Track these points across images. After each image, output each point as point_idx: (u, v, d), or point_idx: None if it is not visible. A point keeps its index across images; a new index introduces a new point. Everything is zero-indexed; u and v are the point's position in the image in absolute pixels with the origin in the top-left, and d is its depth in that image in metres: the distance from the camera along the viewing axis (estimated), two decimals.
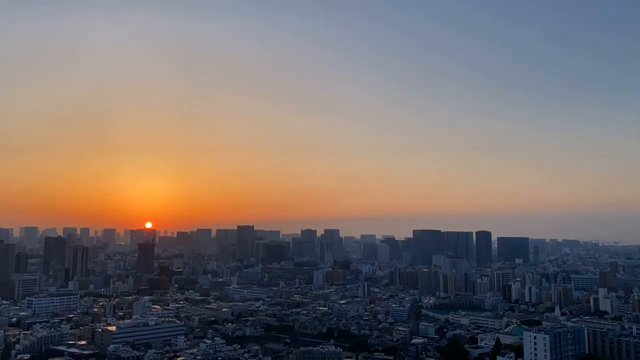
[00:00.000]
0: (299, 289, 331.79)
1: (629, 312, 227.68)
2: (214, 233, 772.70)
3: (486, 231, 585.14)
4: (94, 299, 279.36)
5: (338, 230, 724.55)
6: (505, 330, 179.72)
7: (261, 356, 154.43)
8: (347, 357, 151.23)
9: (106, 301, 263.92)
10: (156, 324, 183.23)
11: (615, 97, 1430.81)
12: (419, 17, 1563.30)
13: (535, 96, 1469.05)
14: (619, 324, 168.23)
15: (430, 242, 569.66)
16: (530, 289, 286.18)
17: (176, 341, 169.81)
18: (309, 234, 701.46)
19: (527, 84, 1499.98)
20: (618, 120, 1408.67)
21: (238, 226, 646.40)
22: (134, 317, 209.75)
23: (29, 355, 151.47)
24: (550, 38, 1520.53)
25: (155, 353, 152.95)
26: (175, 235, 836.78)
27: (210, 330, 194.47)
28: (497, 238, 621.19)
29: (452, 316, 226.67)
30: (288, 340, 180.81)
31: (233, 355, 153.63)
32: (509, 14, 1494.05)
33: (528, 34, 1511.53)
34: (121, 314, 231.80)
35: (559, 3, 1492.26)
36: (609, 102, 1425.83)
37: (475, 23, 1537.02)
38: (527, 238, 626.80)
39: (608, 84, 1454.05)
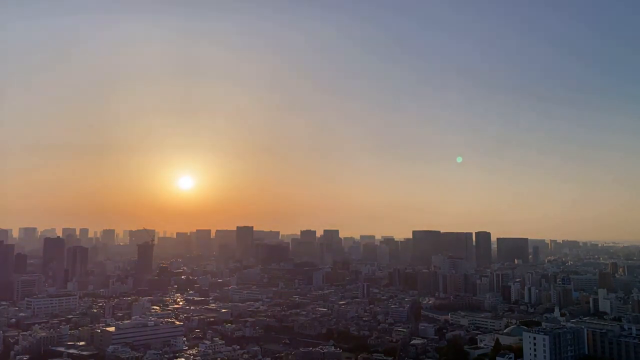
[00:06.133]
0: (299, 290, 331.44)
1: (628, 312, 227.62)
2: (213, 234, 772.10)
3: (486, 232, 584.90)
4: (93, 300, 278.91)
5: (337, 230, 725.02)
6: (504, 331, 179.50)
7: (261, 357, 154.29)
8: (347, 358, 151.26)
9: (105, 302, 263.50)
10: (155, 324, 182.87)
11: (614, 102, 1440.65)
12: (414, 23, 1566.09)
13: (535, 100, 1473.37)
14: (618, 324, 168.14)
15: (429, 242, 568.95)
16: (529, 289, 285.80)
17: (175, 342, 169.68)
18: (308, 234, 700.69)
19: (527, 88, 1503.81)
20: (618, 123, 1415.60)
21: (237, 227, 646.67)
22: (133, 317, 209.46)
23: (28, 356, 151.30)
24: (548, 44, 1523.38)
25: (154, 354, 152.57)
26: (174, 236, 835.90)
27: (209, 331, 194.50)
28: (497, 239, 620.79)
29: (452, 317, 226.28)
30: (287, 341, 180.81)
31: (232, 356, 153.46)
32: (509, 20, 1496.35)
33: (527, 41, 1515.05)
34: (120, 314, 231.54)
35: (557, 9, 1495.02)
36: (608, 107, 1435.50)
37: (474, 29, 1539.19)
38: (527, 239, 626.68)
39: (607, 89, 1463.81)
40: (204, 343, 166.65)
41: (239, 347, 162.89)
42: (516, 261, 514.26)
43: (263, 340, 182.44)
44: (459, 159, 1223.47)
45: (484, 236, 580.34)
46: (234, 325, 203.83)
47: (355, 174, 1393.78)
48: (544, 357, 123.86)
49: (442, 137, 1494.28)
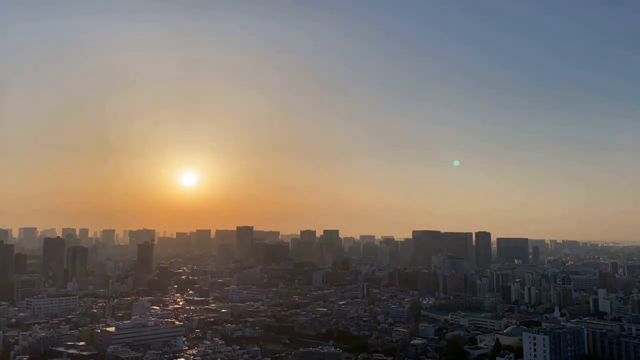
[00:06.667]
0: (299, 290, 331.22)
1: (628, 312, 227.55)
2: (213, 234, 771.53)
3: (485, 232, 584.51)
4: (93, 300, 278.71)
5: (337, 230, 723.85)
6: (504, 331, 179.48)
7: (260, 357, 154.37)
8: (347, 358, 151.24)
9: (105, 302, 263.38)
10: (155, 324, 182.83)
11: (615, 103, 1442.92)
12: (414, 23, 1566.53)
13: (535, 101, 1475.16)
14: (618, 324, 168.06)
15: (429, 242, 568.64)
16: (529, 289, 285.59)
17: (175, 342, 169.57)
18: (308, 234, 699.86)
19: (527, 89, 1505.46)
20: (618, 124, 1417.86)
21: (237, 227, 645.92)
22: (133, 318, 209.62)
23: (28, 356, 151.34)
24: (545, 46, 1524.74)
25: (154, 354, 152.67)
26: (174, 236, 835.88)
27: (209, 331, 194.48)
28: (497, 239, 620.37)
29: (452, 317, 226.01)
30: (287, 341, 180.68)
31: (232, 356, 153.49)
32: (504, 20, 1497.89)
33: (527, 41, 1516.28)
34: (120, 314, 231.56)
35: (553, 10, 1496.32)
36: (608, 108, 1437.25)
37: (473, 30, 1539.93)
38: (527, 239, 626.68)
39: (608, 90, 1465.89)
40: (204, 343, 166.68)
41: (239, 347, 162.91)
42: (516, 261, 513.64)
43: (263, 340, 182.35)
44: (456, 163, 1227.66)
45: (484, 236, 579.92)
46: (234, 325, 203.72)
47: (355, 174, 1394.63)
48: (544, 357, 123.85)
49: (442, 137, 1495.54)
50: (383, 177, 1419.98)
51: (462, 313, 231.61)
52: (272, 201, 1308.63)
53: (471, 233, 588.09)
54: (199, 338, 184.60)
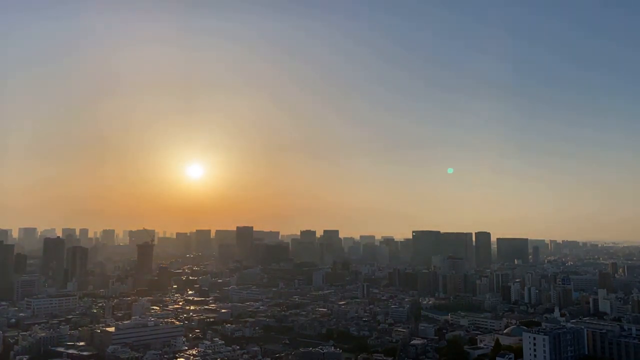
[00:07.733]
0: (298, 290, 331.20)
1: (628, 313, 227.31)
2: (213, 234, 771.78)
3: (485, 232, 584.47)
4: (92, 300, 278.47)
5: (337, 231, 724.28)
6: (504, 331, 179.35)
7: (260, 357, 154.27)
8: (347, 358, 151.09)
9: (105, 302, 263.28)
10: (155, 325, 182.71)
11: (615, 102, 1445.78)
12: (414, 25, 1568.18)
13: (535, 101, 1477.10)
14: (618, 324, 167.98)
15: (429, 243, 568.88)
16: (529, 289, 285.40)
17: (175, 342, 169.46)
18: (308, 234, 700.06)
19: (527, 90, 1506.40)
20: (618, 123, 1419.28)
21: (237, 227, 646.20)
22: (133, 318, 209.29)
23: (28, 356, 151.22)
24: (545, 46, 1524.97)
25: (154, 354, 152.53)
26: (174, 236, 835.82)
27: (209, 331, 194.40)
28: (497, 239, 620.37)
29: (452, 317, 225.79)
30: (287, 342, 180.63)
31: (232, 356, 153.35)
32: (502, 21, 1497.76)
33: (523, 42, 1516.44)
34: (120, 315, 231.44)
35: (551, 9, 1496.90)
36: (608, 107, 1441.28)
37: (473, 31, 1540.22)
38: (527, 239, 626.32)
39: (608, 90, 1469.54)
40: (203, 343, 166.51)
41: (239, 347, 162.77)
42: (516, 261, 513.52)
43: (263, 340, 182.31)
44: (450, 170, 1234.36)
45: (484, 236, 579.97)
46: (233, 326, 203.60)
47: (355, 174, 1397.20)
48: (544, 357, 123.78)
49: (442, 137, 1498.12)
50: (383, 177, 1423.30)
51: (462, 313, 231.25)
52: (272, 201, 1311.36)
53: (471, 233, 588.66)
54: (199, 338, 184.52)
